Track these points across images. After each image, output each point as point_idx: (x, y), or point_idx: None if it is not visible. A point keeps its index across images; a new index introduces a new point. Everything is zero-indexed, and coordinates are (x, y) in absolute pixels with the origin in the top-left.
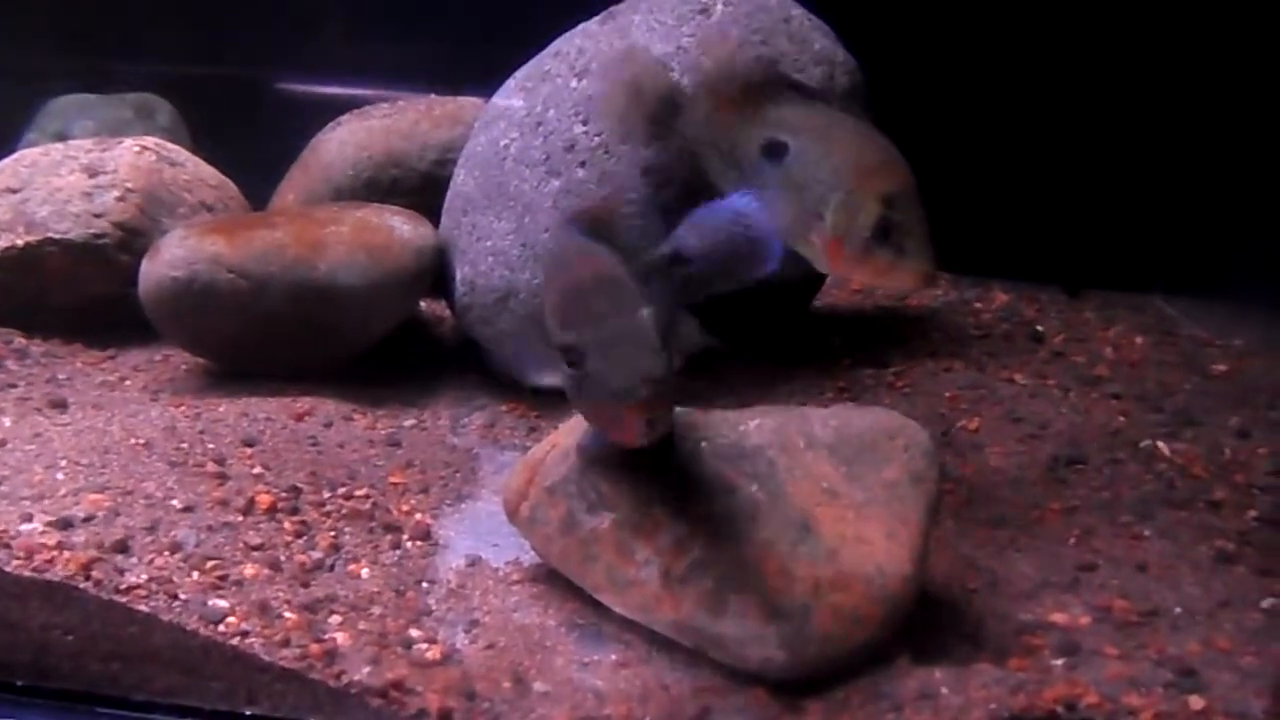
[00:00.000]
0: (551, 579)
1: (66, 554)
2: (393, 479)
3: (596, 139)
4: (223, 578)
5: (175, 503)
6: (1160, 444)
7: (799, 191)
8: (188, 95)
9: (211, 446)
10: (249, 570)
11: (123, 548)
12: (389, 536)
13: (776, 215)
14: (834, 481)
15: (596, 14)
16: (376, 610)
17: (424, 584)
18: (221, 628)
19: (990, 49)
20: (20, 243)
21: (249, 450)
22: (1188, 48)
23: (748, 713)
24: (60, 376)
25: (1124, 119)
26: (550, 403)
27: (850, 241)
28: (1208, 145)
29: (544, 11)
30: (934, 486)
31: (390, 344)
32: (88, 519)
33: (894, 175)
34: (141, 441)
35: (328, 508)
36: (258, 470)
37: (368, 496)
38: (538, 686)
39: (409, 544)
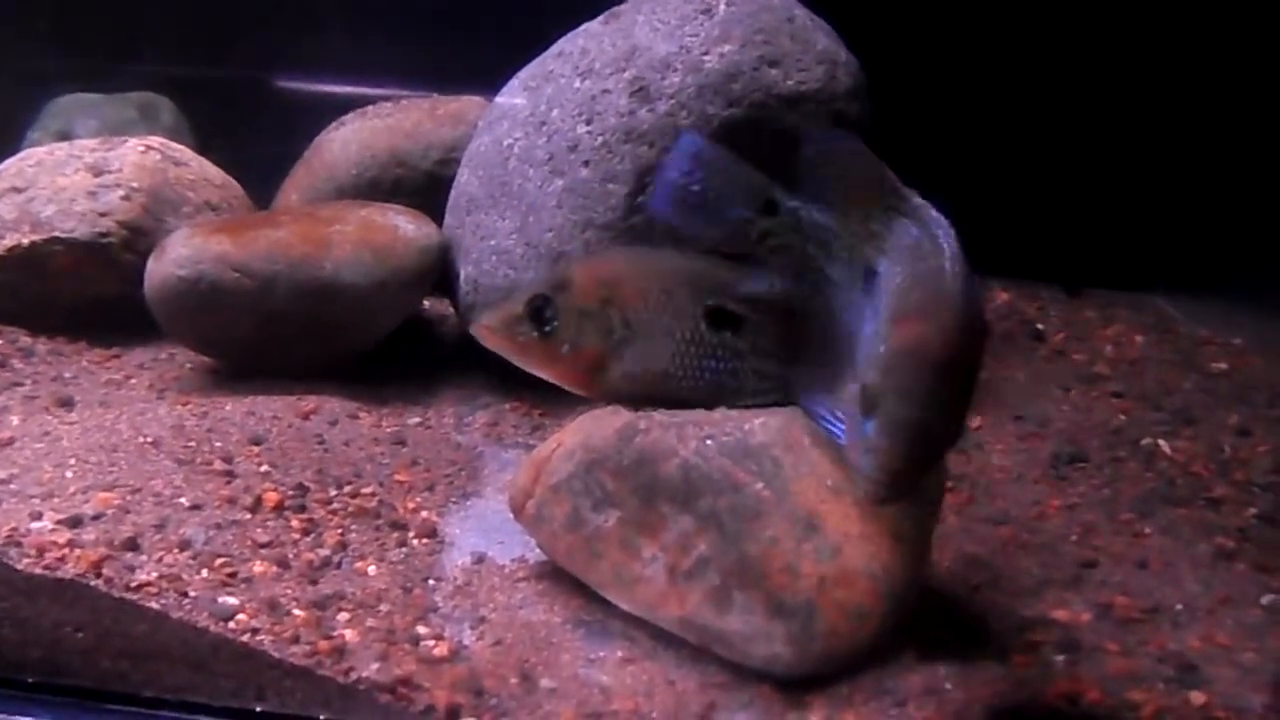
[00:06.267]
0: (557, 576)
1: (77, 552)
2: (398, 477)
3: (600, 139)
4: (232, 575)
5: (183, 501)
6: (1161, 442)
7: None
8: (191, 95)
9: (219, 445)
10: (258, 568)
11: (132, 545)
12: (395, 534)
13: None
14: (838, 479)
15: (599, 14)
16: (384, 607)
17: (431, 581)
18: (231, 625)
19: (991, 47)
20: (26, 242)
21: (256, 448)
22: (1186, 46)
23: (753, 709)
24: (66, 375)
25: (1124, 117)
26: (554, 401)
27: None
28: (1207, 143)
29: (547, 11)
30: (937, 484)
31: (394, 342)
32: (97, 517)
33: None
34: (149, 440)
35: (334, 506)
36: (265, 468)
37: (374, 494)
38: (544, 683)
39: (415, 542)
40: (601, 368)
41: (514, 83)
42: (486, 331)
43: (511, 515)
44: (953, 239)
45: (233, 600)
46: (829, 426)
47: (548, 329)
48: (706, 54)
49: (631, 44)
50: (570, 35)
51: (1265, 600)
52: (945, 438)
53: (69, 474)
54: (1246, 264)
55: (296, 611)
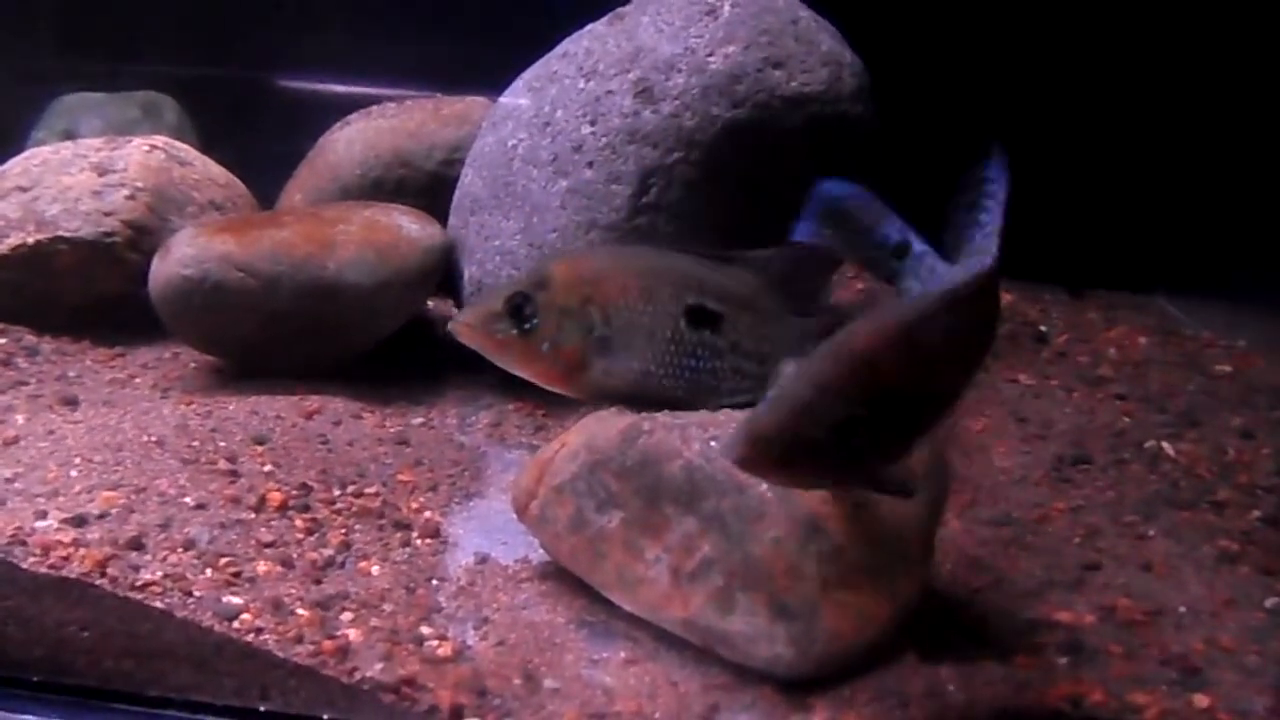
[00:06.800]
0: (560, 577)
1: (82, 551)
2: (402, 477)
3: (604, 139)
4: (236, 575)
5: (188, 500)
6: (1164, 444)
7: None
8: (195, 94)
9: (223, 444)
10: (262, 567)
11: (137, 545)
12: (399, 534)
13: None
14: None
15: (604, 15)
16: (388, 607)
17: (434, 581)
18: (235, 624)
19: (994, 49)
20: (30, 241)
21: (260, 448)
22: (1190, 48)
23: (755, 710)
24: (70, 374)
25: (1127, 119)
26: (557, 401)
27: None
28: (1210, 145)
29: (552, 12)
30: (940, 486)
31: (398, 343)
32: (102, 516)
33: None
34: (153, 439)
35: (338, 505)
36: (268, 468)
37: (377, 494)
38: (548, 683)
39: (419, 542)
40: (581, 366)
41: (518, 83)
42: (465, 329)
43: (515, 516)
44: (973, 279)
45: (237, 600)
46: None
47: (527, 327)
48: (711, 55)
49: (636, 45)
50: (575, 36)
51: (1269, 603)
52: (833, 441)
53: (73, 473)
54: (1249, 265)
55: (300, 611)
